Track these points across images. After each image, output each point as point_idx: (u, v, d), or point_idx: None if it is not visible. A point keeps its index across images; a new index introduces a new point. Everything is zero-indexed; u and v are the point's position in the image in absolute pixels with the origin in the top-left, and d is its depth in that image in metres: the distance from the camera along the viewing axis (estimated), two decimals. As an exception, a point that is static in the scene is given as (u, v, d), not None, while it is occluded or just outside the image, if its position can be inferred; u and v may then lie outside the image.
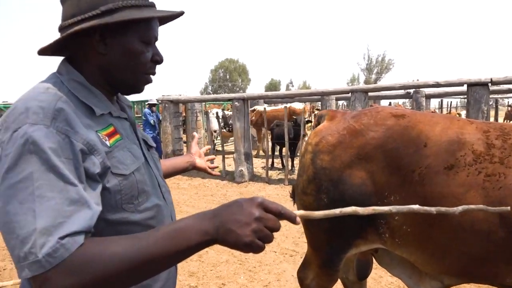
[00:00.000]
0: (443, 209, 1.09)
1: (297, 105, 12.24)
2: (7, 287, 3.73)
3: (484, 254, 1.89)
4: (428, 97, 12.94)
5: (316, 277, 2.31)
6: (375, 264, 2.32)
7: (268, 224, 0.82)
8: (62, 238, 0.76)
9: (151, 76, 1.09)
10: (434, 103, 19.63)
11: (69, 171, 0.82)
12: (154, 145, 1.27)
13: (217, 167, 1.86)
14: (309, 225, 2.29)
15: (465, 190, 1.89)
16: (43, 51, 1.02)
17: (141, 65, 1.04)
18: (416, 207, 1.06)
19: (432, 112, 2.43)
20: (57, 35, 1.02)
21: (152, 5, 1.05)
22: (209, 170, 1.77)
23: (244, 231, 0.80)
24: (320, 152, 2.22)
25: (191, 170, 1.72)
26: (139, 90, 1.10)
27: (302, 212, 0.94)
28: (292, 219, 0.86)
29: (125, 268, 0.78)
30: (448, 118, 2.18)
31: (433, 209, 1.06)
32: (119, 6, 0.98)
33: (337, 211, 1.00)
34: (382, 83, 42.38)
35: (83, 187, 0.84)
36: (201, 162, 1.74)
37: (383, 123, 2.16)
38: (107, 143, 0.95)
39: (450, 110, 17.65)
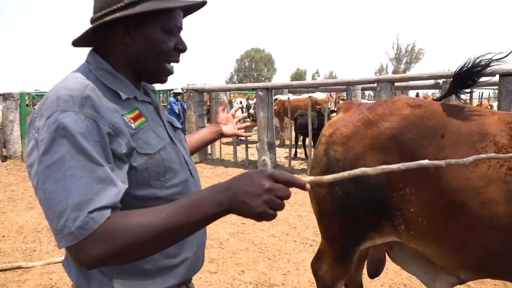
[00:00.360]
0: (453, 161, 1.08)
1: (319, 95, 12.10)
2: (37, 267, 3.89)
3: (503, 249, 1.82)
4: (459, 87, 12.52)
5: (330, 269, 2.30)
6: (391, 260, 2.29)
7: (279, 194, 0.85)
8: (91, 212, 0.85)
9: (173, 66, 1.15)
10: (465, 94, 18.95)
11: (96, 152, 0.90)
12: (180, 126, 1.33)
13: (248, 132, 1.78)
14: (323, 216, 2.26)
15: (485, 184, 1.83)
16: (76, 42, 1.09)
17: (163, 53, 1.09)
18: (425, 162, 1.06)
19: (463, 104, 2.35)
20: (87, 26, 1.09)
21: None
22: (240, 132, 1.69)
23: (256, 202, 0.83)
24: (334, 143, 2.18)
25: (220, 138, 1.66)
26: (161, 79, 1.16)
27: (311, 178, 0.93)
28: (302, 186, 0.88)
29: (148, 237, 0.86)
30: (469, 108, 2.11)
31: (442, 162, 1.06)
32: None
33: (345, 173, 0.99)
34: (410, 73, 41.39)
35: (111, 167, 0.92)
36: (229, 128, 1.67)
37: (398, 113, 2.10)
38: (132, 125, 1.02)
39: (481, 102, 17.01)
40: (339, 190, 2.12)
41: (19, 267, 3.86)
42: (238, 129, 1.72)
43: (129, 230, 0.85)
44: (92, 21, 1.08)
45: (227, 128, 1.66)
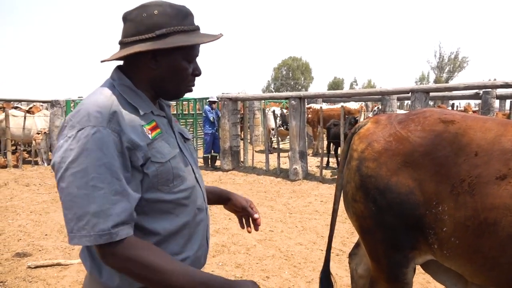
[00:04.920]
0: None
1: (353, 105, 12.00)
2: (74, 264, 4.12)
3: None
4: (501, 98, 12.07)
5: None
6: (422, 269, 2.28)
7: None
8: (113, 227, 1.01)
9: (191, 87, 1.30)
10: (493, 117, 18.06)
11: (117, 165, 1.04)
12: (190, 137, 1.47)
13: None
14: (364, 233, 2.26)
15: None
16: (106, 60, 1.23)
17: (184, 79, 1.25)
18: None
19: (503, 115, 2.29)
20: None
21: (197, 29, 1.24)
22: (249, 209, 1.60)
23: None
24: (366, 160, 2.19)
25: (226, 205, 1.62)
26: (179, 98, 1.32)
27: None
28: None
29: (150, 279, 1.04)
30: (503, 124, 2.07)
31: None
32: (170, 31, 1.17)
33: None
34: (453, 82, 39.94)
35: (128, 176, 1.07)
36: (241, 203, 1.61)
37: (431, 129, 2.10)
38: (150, 136, 1.15)
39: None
40: (373, 206, 2.14)
41: (58, 264, 4.09)
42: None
43: (142, 266, 1.03)
44: (122, 43, 1.21)
45: (239, 204, 1.61)
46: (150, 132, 1.16)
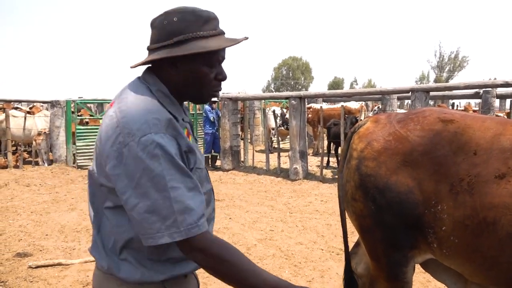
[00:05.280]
0: None
1: (353, 104, 12.01)
2: (75, 264, 4.13)
3: None
4: (501, 97, 12.07)
5: None
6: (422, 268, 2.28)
7: None
8: (197, 220, 1.09)
9: (216, 92, 1.31)
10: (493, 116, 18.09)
11: (183, 165, 1.11)
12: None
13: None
14: (364, 232, 2.27)
15: None
16: (134, 66, 1.27)
17: (206, 84, 1.25)
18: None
19: (504, 114, 2.30)
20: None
21: (220, 34, 1.23)
22: None
23: None
24: (365, 159, 2.20)
25: None
26: (204, 102, 1.35)
27: None
28: None
29: (227, 275, 1.11)
30: (502, 123, 2.08)
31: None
32: (188, 38, 1.17)
33: None
34: (453, 82, 39.89)
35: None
36: None
37: (430, 128, 2.10)
38: (194, 148, 1.21)
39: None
40: (372, 205, 2.14)
41: (59, 264, 4.10)
42: None
43: (223, 259, 1.10)
44: (149, 49, 1.24)
45: None
46: (187, 137, 1.22)
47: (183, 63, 1.20)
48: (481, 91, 10.25)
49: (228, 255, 1.11)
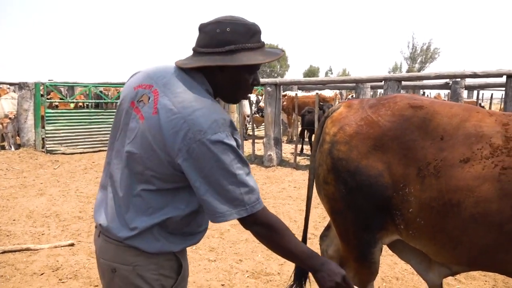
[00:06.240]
0: None
1: (328, 93, 12.14)
2: (44, 249, 4.05)
3: (495, 244, 1.90)
4: (468, 88, 12.46)
5: (357, 273, 2.33)
6: (390, 251, 2.35)
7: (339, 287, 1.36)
8: (258, 198, 1.30)
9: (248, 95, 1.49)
10: (476, 95, 18.81)
11: (243, 155, 1.31)
12: None
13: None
14: (335, 215, 2.32)
15: (479, 183, 1.90)
16: (182, 67, 1.37)
17: (243, 88, 1.41)
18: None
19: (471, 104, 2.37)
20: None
21: (262, 46, 1.39)
22: None
23: (329, 283, 1.35)
24: (338, 143, 2.24)
25: None
26: (235, 103, 1.58)
27: None
28: None
29: (279, 243, 1.36)
30: (467, 110, 2.15)
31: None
32: (238, 48, 1.31)
33: None
34: (420, 72, 40.68)
35: None
36: None
37: (400, 114, 2.15)
38: None
39: (490, 104, 16.81)
40: (343, 188, 2.19)
41: (27, 249, 4.00)
42: None
43: (276, 231, 1.35)
44: (196, 52, 1.36)
45: None
46: None
47: (230, 69, 1.34)
48: (451, 82, 10.55)
49: (279, 227, 1.35)
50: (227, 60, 1.30)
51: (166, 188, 1.31)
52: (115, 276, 1.35)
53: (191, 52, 1.41)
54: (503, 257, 1.92)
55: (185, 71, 1.37)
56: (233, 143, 1.27)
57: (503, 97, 7.40)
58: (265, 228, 1.33)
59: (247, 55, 1.32)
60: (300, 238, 4.37)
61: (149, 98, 1.31)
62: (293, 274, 2.74)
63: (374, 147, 2.14)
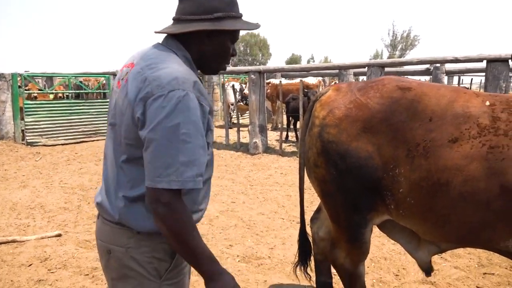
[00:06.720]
0: None
1: (311, 80, 12.16)
2: (31, 241, 3.98)
3: (482, 222, 1.96)
4: (449, 73, 12.67)
5: (348, 254, 2.37)
6: (378, 232, 2.40)
7: None
8: (196, 176, 1.18)
9: (227, 65, 1.49)
10: (456, 80, 19.15)
11: (200, 124, 1.21)
12: None
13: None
14: (326, 197, 2.34)
15: (468, 162, 1.94)
16: (160, 32, 1.38)
17: (225, 57, 1.43)
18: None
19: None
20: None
21: (242, 16, 1.42)
22: None
23: None
24: (327, 126, 2.25)
25: None
26: (216, 73, 1.52)
27: None
28: None
29: (184, 237, 1.21)
30: (455, 91, 2.19)
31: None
32: (225, 16, 1.34)
33: None
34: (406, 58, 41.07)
35: (204, 135, 1.24)
36: None
37: (389, 96, 2.18)
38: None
39: (470, 89, 17.15)
40: (334, 171, 2.21)
41: (13, 241, 3.93)
42: None
43: (183, 224, 1.20)
44: (179, 20, 1.35)
45: None
46: None
47: (216, 36, 1.36)
48: (432, 67, 10.72)
49: (189, 219, 1.22)
50: (217, 26, 1.32)
51: (139, 156, 1.24)
52: (110, 258, 1.35)
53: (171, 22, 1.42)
54: (490, 234, 1.98)
55: (163, 43, 1.38)
56: (193, 106, 1.19)
57: (483, 82, 7.56)
58: (175, 213, 1.18)
59: (233, 22, 1.36)
60: (290, 224, 4.42)
61: (127, 73, 1.33)
62: (297, 254, 2.81)
63: (363, 129, 2.17)
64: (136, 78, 1.25)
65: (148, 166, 1.18)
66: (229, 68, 12.01)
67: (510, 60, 6.36)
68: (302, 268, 2.79)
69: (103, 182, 1.41)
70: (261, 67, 9.06)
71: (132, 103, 1.22)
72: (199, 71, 1.46)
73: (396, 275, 3.31)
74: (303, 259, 2.79)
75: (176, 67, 1.25)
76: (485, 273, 3.30)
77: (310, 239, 2.82)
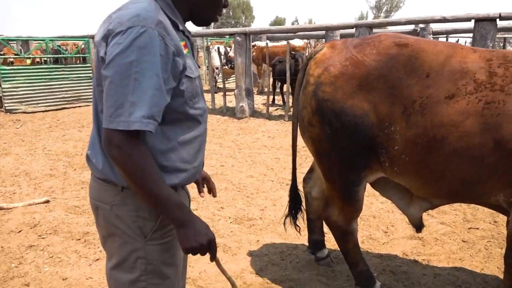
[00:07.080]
0: None
1: (297, 42, 11.96)
2: (18, 208, 3.92)
3: (476, 177, 1.98)
4: (436, 34, 12.60)
5: (341, 211, 2.39)
6: (366, 191, 2.41)
7: (202, 252, 1.25)
8: (144, 117, 1.09)
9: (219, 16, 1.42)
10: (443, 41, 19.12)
11: (158, 64, 1.12)
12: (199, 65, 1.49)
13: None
14: (320, 156, 2.34)
15: (464, 118, 1.94)
16: None
17: (217, 7, 1.36)
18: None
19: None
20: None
21: None
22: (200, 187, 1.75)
23: (191, 242, 1.21)
24: (322, 84, 2.21)
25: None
26: (208, 24, 1.43)
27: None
28: (210, 258, 1.31)
29: (143, 182, 1.14)
30: (452, 47, 2.16)
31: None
32: None
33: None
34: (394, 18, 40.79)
35: (166, 77, 1.16)
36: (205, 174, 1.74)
37: (386, 53, 2.13)
38: (184, 51, 1.24)
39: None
40: (328, 129, 2.19)
41: (0, 208, 3.87)
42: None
43: (143, 166, 1.13)
44: None
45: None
46: (183, 48, 1.24)
47: None
48: (418, 28, 10.63)
49: (150, 163, 1.15)
50: None
51: None
52: (99, 215, 1.33)
53: None
54: (483, 188, 2.02)
55: None
56: (152, 44, 1.11)
57: (470, 42, 7.54)
58: (129, 156, 1.11)
59: None
60: (280, 186, 4.44)
61: None
62: (287, 207, 2.84)
63: (359, 87, 2.13)
64: (106, 22, 1.21)
65: (104, 105, 1.13)
66: (214, 30, 11.67)
67: (498, 19, 6.32)
68: (292, 221, 2.82)
69: (90, 137, 1.37)
70: (247, 29, 8.83)
71: (98, 44, 1.17)
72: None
73: (385, 232, 3.39)
74: (293, 213, 2.82)
75: (142, 6, 1.18)
76: (470, 228, 3.41)
77: (302, 195, 2.84)
